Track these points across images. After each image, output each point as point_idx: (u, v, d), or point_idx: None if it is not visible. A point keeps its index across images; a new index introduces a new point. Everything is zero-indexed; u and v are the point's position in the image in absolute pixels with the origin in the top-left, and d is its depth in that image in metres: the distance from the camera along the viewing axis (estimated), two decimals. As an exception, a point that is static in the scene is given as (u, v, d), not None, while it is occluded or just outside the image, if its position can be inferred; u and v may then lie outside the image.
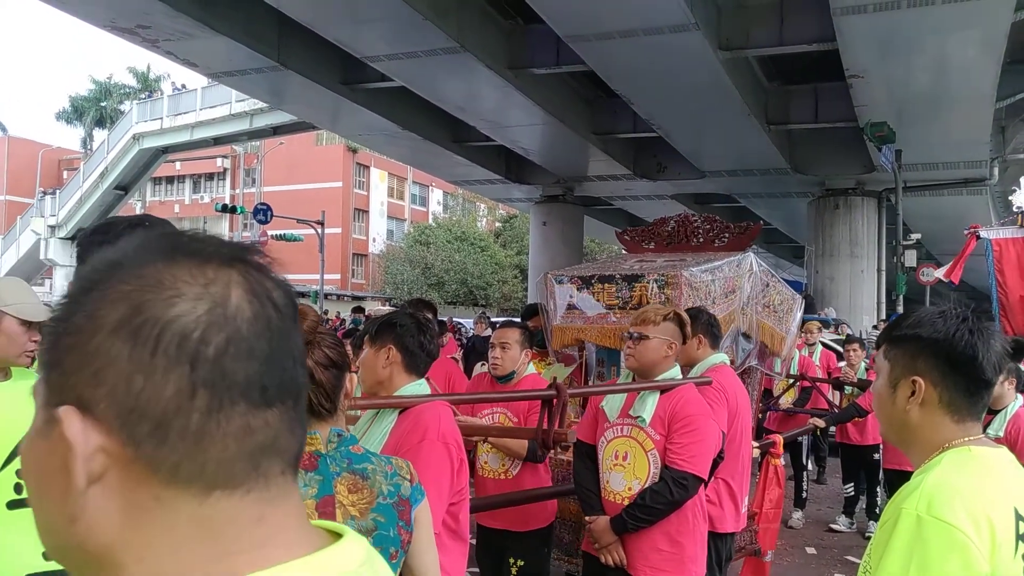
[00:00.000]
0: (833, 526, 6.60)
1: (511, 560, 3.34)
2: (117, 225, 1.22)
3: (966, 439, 1.34)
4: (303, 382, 0.57)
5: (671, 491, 2.72)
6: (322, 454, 1.47)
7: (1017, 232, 7.68)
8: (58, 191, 34.18)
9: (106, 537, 0.50)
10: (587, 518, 2.92)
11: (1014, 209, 8.37)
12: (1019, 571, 1.22)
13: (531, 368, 3.56)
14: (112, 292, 0.51)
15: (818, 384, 7.11)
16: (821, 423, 6.16)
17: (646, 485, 2.79)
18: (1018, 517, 1.24)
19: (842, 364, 7.51)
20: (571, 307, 4.38)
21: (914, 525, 1.21)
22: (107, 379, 0.50)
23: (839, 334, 10.88)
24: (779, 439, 4.68)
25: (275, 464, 0.54)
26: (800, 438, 6.85)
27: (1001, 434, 3.50)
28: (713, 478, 3.12)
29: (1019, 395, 3.70)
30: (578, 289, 4.36)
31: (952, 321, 1.36)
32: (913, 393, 1.36)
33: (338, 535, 0.58)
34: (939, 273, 11.05)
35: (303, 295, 31.73)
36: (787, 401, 7.14)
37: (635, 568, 2.79)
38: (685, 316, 2.98)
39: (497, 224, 47.60)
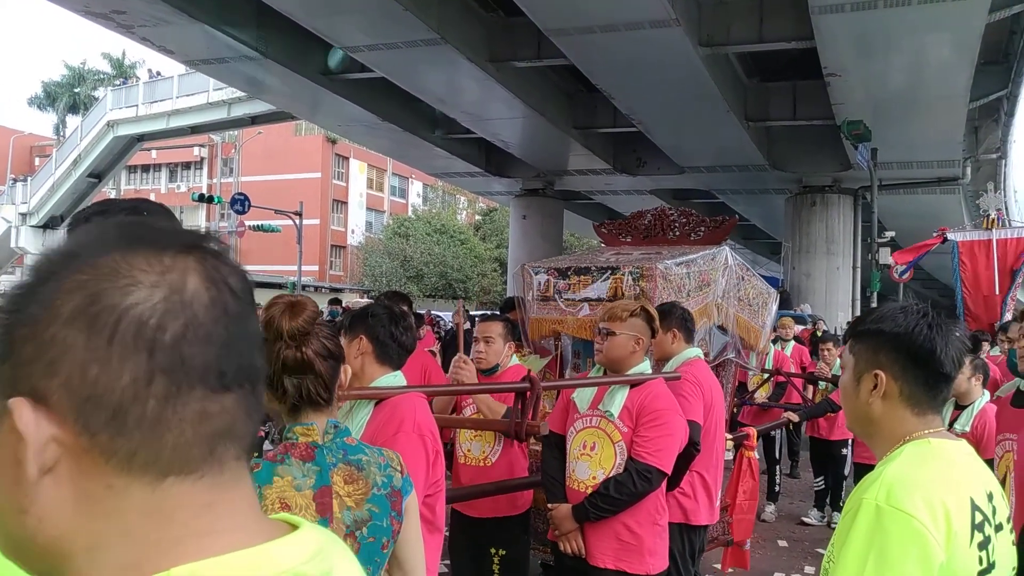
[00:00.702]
0: (805, 519, 6.69)
1: (492, 550, 3.33)
2: (114, 208, 1.20)
3: (926, 431, 1.38)
4: (261, 367, 0.57)
5: (634, 483, 2.75)
6: (319, 445, 1.48)
7: (982, 235, 7.86)
8: (30, 178, 33.58)
9: (56, 528, 0.50)
10: (549, 505, 2.96)
11: (980, 212, 8.56)
12: (975, 559, 1.25)
13: (514, 359, 3.57)
14: (68, 282, 0.51)
15: (792, 379, 7.20)
16: (795, 417, 6.25)
17: (610, 475, 2.82)
18: (974, 507, 1.28)
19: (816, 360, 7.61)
20: (547, 298, 4.40)
21: (873, 514, 1.24)
22: (62, 369, 0.49)
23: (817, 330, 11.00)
24: (753, 431, 4.73)
25: (230, 449, 0.54)
26: (773, 432, 6.94)
27: (968, 429, 3.57)
28: (688, 471, 3.15)
29: (986, 391, 3.77)
30: (554, 280, 4.38)
31: (912, 316, 1.40)
32: (875, 387, 1.40)
33: (295, 527, 0.57)
34: (895, 263, 11.19)
35: (281, 286, 31.50)
36: (761, 396, 7.22)
37: (594, 557, 2.82)
38: (653, 311, 3.01)
39: (477, 217, 47.55)
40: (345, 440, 1.52)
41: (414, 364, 3.74)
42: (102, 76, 44.01)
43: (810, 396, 7.23)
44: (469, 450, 3.37)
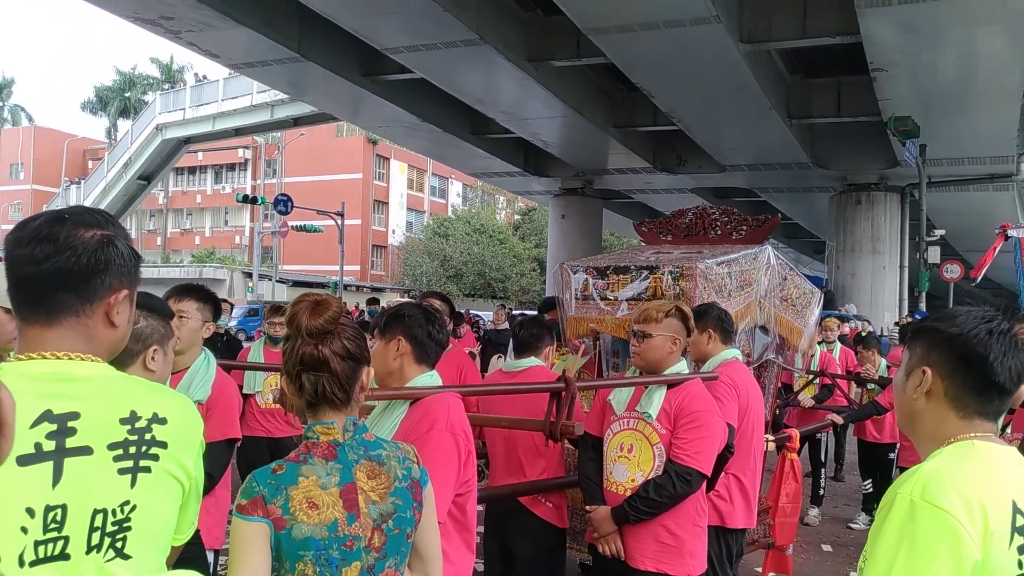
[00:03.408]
0: (852, 525, 6.55)
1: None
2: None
3: (972, 434, 1.34)
4: None
5: (674, 485, 2.72)
6: (340, 443, 1.51)
7: None
8: (83, 181, 34.68)
9: None
10: (587, 507, 2.93)
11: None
12: (1014, 562, 1.22)
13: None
14: None
15: (838, 381, 7.04)
16: (839, 419, 6.11)
17: (649, 477, 2.79)
18: (1016, 510, 1.24)
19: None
20: (586, 297, 4.37)
21: (907, 509, 1.22)
22: None
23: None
24: (795, 432, 4.64)
25: None
26: (819, 435, 6.80)
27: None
28: (724, 473, 3.10)
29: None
30: (593, 279, 4.34)
31: (973, 320, 1.35)
32: (921, 383, 1.37)
33: None
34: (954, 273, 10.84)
35: (323, 286, 31.93)
36: (807, 397, 7.08)
37: (634, 559, 2.79)
38: (688, 310, 2.97)
39: (516, 217, 47.60)
40: (364, 436, 1.55)
41: (450, 364, 3.74)
42: (151, 80, 45.16)
43: (857, 399, 7.07)
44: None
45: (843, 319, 10.31)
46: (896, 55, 11.68)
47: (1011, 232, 7.81)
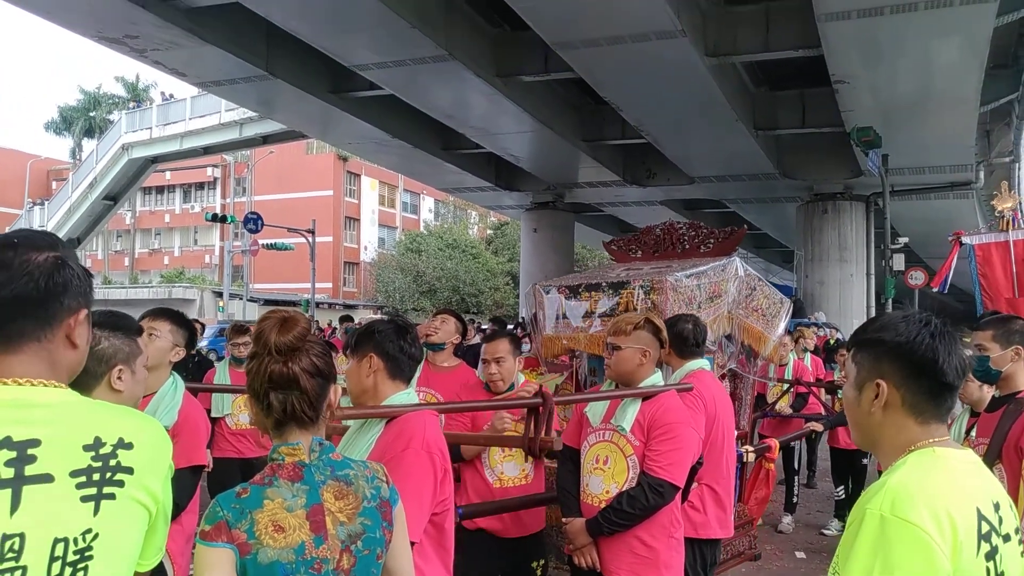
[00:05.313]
0: (825, 531, 6.61)
1: (534, 564, 3.28)
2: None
3: (931, 440, 1.36)
4: None
5: (647, 497, 2.74)
6: (306, 464, 1.48)
7: (998, 237, 7.75)
8: (47, 202, 34.09)
9: None
10: (563, 519, 2.95)
11: (995, 214, 8.44)
12: (982, 570, 1.24)
13: (521, 377, 3.54)
14: None
15: (812, 389, 7.13)
16: (819, 427, 6.19)
17: (623, 489, 2.81)
18: (980, 517, 1.26)
19: (834, 367, 7.55)
20: (560, 316, 4.41)
21: (878, 525, 1.23)
22: None
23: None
24: (775, 443, 4.69)
25: None
26: (793, 443, 6.88)
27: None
28: (696, 483, 3.13)
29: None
30: (566, 298, 4.39)
31: (914, 325, 1.38)
32: (877, 396, 1.39)
33: None
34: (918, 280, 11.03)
35: (294, 304, 31.64)
36: (784, 406, 7.15)
37: (610, 571, 2.81)
38: (659, 323, 2.99)
39: (488, 231, 47.64)
40: (331, 456, 1.53)
41: (454, 381, 3.72)
42: (117, 100, 44.57)
43: (829, 405, 7.16)
44: (503, 472, 3.23)
45: (814, 326, 10.45)
46: (857, 67, 11.94)
47: (965, 239, 7.96)
